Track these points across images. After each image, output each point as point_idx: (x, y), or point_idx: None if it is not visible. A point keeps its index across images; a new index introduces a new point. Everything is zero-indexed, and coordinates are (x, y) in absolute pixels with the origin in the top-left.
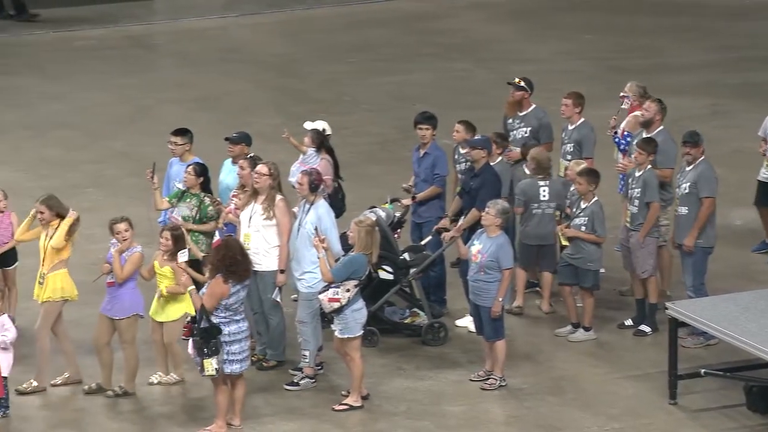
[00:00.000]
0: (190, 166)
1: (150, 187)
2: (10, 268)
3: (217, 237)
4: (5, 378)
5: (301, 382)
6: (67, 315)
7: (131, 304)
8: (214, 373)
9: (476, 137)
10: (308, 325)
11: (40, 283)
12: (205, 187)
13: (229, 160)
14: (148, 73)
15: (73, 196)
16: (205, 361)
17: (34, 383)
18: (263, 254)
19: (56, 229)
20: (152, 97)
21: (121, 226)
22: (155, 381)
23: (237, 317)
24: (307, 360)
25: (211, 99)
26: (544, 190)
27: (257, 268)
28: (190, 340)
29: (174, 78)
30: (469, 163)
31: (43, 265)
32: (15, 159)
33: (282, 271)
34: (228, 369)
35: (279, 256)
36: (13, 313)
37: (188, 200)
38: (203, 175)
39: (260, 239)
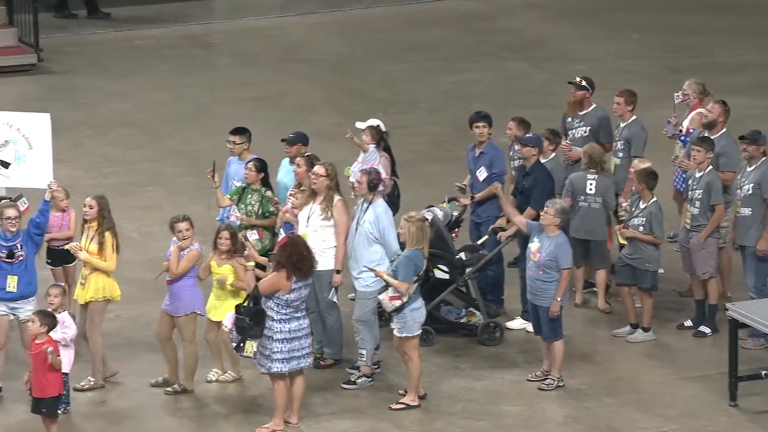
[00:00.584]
0: (251, 162)
1: (210, 186)
2: (71, 265)
3: (282, 234)
4: (66, 374)
5: (359, 380)
6: (126, 312)
7: (190, 301)
8: (251, 355)
9: (528, 135)
10: (366, 324)
11: (82, 285)
12: (266, 182)
13: (287, 159)
14: (207, 72)
15: (133, 194)
16: (247, 342)
17: (92, 380)
18: (320, 254)
19: (96, 232)
20: (210, 96)
21: (182, 225)
22: (213, 379)
23: (298, 314)
24: (364, 359)
25: (269, 98)
26: (591, 184)
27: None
28: (233, 316)
29: (232, 77)
30: (521, 161)
31: (85, 266)
32: (76, 157)
33: (338, 271)
34: (289, 366)
35: (336, 256)
36: (73, 310)
37: (249, 196)
38: (263, 170)
39: (317, 239)
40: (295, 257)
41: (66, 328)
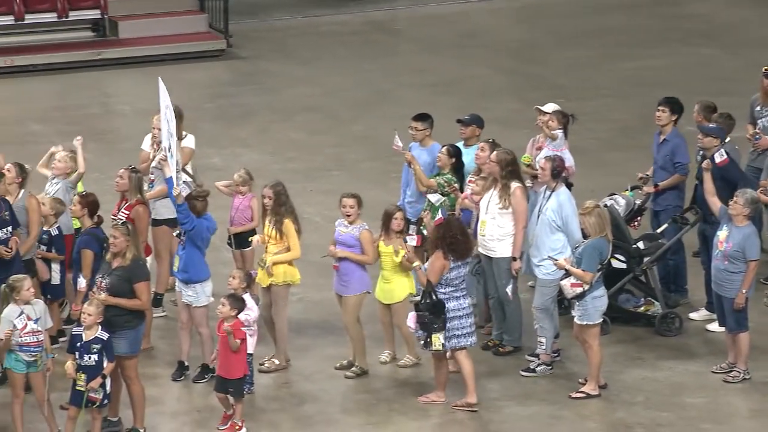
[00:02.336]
0: (445, 147)
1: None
2: (247, 249)
3: (439, 215)
4: (250, 356)
5: (538, 368)
6: (309, 296)
7: (360, 283)
8: (441, 347)
9: (710, 125)
10: (545, 312)
11: (261, 267)
12: (458, 169)
13: (461, 143)
14: (389, 57)
15: (317, 179)
16: (433, 336)
17: (276, 362)
18: (497, 240)
19: (276, 220)
20: (392, 82)
21: (349, 201)
22: (385, 360)
23: (458, 294)
24: (544, 347)
25: (449, 83)
26: None
27: (492, 254)
28: (414, 315)
29: (413, 63)
30: (702, 152)
31: (266, 252)
32: (262, 142)
33: (515, 258)
34: (449, 345)
35: (513, 243)
36: (256, 293)
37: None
38: (456, 156)
39: (494, 226)
40: (449, 239)
41: (248, 310)
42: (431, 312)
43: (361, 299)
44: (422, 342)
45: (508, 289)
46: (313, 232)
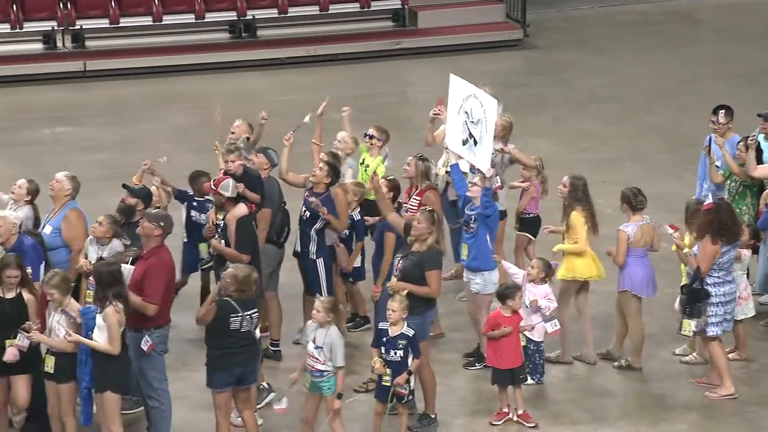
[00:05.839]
0: (740, 143)
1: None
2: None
3: (709, 200)
4: (539, 344)
5: None
6: (601, 287)
7: (630, 280)
8: (690, 334)
9: None
10: None
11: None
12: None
13: (761, 137)
14: (689, 47)
15: (609, 170)
16: (684, 320)
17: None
18: None
19: (566, 213)
20: (691, 72)
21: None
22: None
23: (729, 278)
24: None
25: (751, 75)
26: None
27: None
28: (678, 297)
29: (715, 53)
30: None
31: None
32: (555, 132)
33: None
34: (719, 329)
35: None
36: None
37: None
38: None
39: None
40: (716, 224)
41: (549, 300)
42: (688, 296)
43: (630, 296)
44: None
45: None
46: (604, 225)
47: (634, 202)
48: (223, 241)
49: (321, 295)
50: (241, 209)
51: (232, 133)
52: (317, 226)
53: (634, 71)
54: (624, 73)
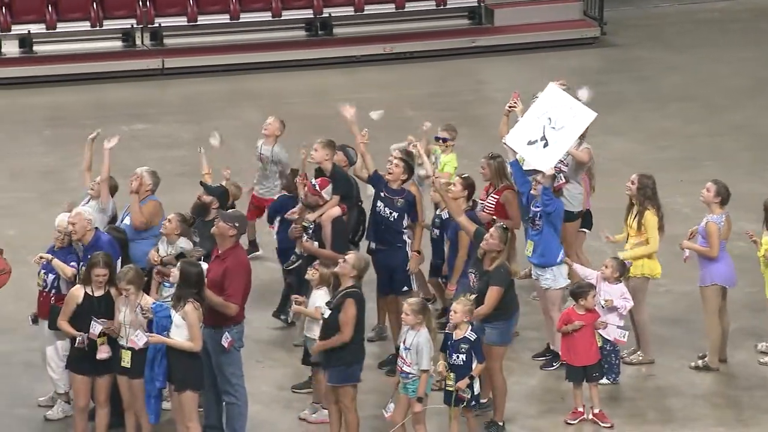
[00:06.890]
0: None
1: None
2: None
3: None
4: (615, 345)
5: None
6: (677, 287)
7: (712, 274)
8: None
9: None
10: None
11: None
12: None
13: None
14: None
15: (689, 168)
16: None
17: (641, 355)
18: None
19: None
20: None
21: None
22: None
23: None
24: None
25: None
26: None
27: None
28: None
29: None
30: None
31: (627, 241)
32: (634, 129)
33: None
34: None
35: None
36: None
37: None
38: None
39: None
40: None
41: (625, 299)
42: None
43: (716, 291)
44: None
45: None
46: (680, 223)
47: (725, 195)
48: (316, 243)
49: (411, 290)
50: (336, 210)
51: (264, 129)
52: (406, 222)
53: (715, 69)
54: (704, 70)
